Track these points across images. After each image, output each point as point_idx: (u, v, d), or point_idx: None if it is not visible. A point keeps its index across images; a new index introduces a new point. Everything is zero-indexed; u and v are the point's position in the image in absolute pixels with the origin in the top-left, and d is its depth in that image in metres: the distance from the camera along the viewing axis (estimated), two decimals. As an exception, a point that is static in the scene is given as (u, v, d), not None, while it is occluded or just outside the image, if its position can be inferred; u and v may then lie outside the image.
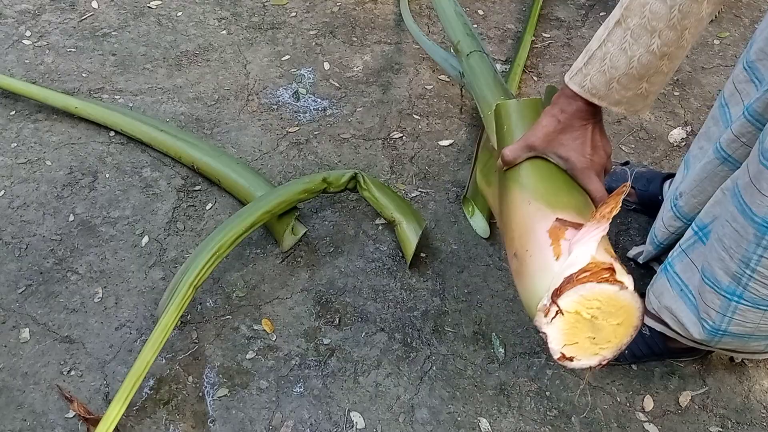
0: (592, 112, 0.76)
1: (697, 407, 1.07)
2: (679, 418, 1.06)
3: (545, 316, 0.64)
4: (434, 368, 1.11)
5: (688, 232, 0.96)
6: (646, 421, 1.05)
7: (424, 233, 1.29)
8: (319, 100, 1.61)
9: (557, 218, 0.70)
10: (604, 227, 0.65)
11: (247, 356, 1.13)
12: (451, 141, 1.51)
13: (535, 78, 1.66)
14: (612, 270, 0.64)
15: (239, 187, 1.32)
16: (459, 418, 1.05)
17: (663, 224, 1.07)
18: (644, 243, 1.20)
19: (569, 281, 0.63)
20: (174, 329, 1.07)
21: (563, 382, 1.10)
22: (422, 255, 1.28)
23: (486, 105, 1.13)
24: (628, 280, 0.64)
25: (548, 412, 1.06)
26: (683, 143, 1.51)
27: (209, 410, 1.06)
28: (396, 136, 1.51)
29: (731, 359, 1.12)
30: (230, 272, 1.25)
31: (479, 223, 1.32)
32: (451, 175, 1.43)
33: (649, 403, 1.07)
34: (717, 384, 1.10)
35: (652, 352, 1.09)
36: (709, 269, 0.88)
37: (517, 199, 0.76)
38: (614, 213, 0.66)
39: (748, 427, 1.04)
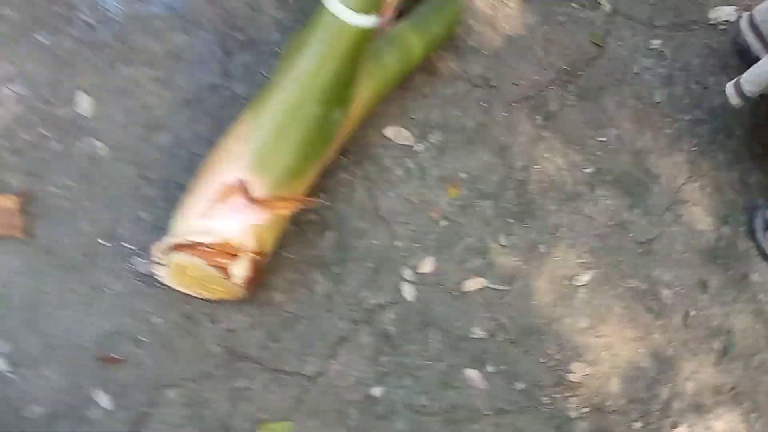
0: None
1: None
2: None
3: (161, 252, 0.73)
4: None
5: None
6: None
7: None
8: None
9: (242, 180, 0.71)
10: (262, 216, 0.72)
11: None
12: None
13: None
14: (234, 256, 0.72)
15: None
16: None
17: None
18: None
19: (188, 247, 0.71)
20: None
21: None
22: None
23: None
24: (238, 272, 0.72)
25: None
26: None
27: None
28: None
29: None
30: None
31: None
32: None
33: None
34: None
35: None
36: None
37: (245, 126, 0.74)
38: (284, 212, 0.74)
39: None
